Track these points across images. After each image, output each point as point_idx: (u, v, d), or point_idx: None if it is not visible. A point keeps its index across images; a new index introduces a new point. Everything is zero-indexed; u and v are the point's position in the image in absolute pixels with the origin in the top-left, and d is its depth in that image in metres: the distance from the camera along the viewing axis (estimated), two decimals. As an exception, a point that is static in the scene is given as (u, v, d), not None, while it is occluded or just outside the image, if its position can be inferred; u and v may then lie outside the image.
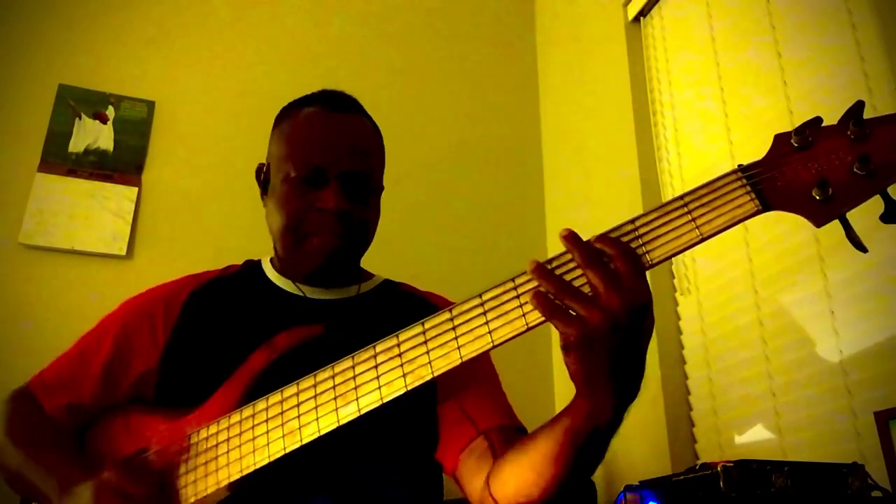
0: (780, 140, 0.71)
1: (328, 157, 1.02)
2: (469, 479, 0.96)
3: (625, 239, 0.72)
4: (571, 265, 0.72)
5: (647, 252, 0.72)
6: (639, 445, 1.92)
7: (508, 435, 0.97)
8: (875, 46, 1.44)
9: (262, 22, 2.61)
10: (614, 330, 0.68)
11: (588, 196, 2.41)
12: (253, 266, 1.17)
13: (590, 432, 0.76)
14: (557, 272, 0.72)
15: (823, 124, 0.70)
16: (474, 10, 2.92)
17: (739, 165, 0.72)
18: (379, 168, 1.11)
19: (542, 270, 0.72)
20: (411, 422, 1.00)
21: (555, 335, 2.45)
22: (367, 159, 1.07)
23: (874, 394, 1.34)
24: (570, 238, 0.72)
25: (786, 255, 1.62)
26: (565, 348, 0.71)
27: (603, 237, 0.72)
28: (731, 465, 1.11)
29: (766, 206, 0.69)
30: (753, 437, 1.64)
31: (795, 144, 0.70)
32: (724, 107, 1.89)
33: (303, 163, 1.02)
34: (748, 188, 0.70)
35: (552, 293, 0.71)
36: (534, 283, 0.73)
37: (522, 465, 0.85)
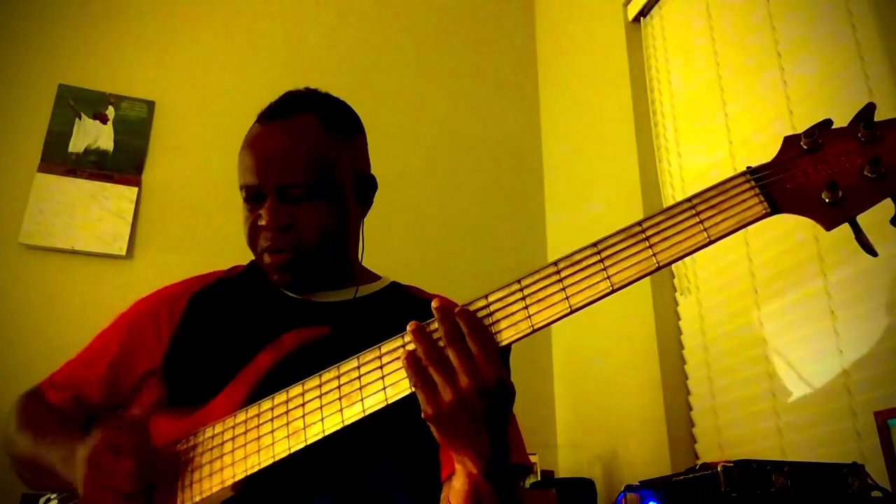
0: (790, 142, 0.70)
1: (259, 174, 1.01)
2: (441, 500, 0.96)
3: (632, 240, 0.71)
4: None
5: (655, 254, 0.71)
6: (639, 445, 1.92)
7: None
8: (875, 46, 1.44)
9: (261, 22, 2.61)
10: (464, 409, 0.73)
11: (588, 196, 2.41)
12: (257, 267, 1.16)
13: (471, 491, 0.80)
14: (437, 337, 0.75)
15: (833, 126, 0.69)
16: (474, 10, 2.92)
17: (748, 167, 0.71)
18: (325, 169, 1.02)
19: (420, 332, 0.75)
20: (413, 422, 1.00)
21: (555, 337, 2.45)
22: (303, 166, 1.01)
23: (874, 394, 1.34)
24: (440, 310, 0.75)
25: (786, 255, 1.62)
26: (424, 418, 0.75)
27: (461, 312, 0.74)
28: (731, 465, 1.11)
29: (775, 209, 0.69)
30: (753, 437, 1.65)
31: (805, 147, 0.69)
32: (723, 106, 1.89)
33: (243, 185, 1.03)
34: (757, 190, 0.69)
35: (421, 357, 0.74)
36: (544, 283, 0.74)
37: None
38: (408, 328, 0.76)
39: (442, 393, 0.73)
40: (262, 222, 1.00)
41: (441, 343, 0.75)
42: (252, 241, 1.04)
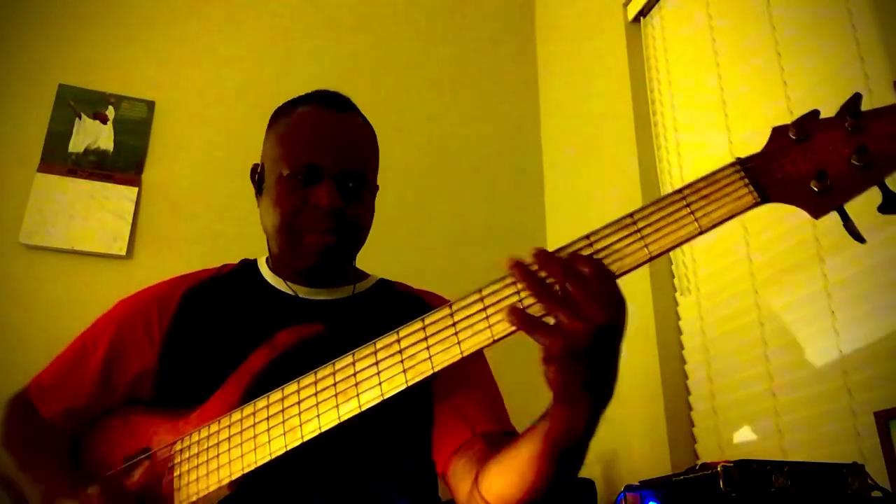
0: (778, 132, 0.71)
1: (322, 155, 1.02)
2: (458, 481, 0.96)
3: (623, 232, 0.72)
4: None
5: (647, 245, 0.71)
6: (639, 445, 1.92)
7: (499, 440, 0.97)
8: (875, 46, 1.44)
9: (261, 22, 2.61)
10: (596, 337, 0.68)
11: (588, 195, 2.41)
12: (249, 265, 1.16)
13: (567, 438, 0.77)
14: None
15: (821, 117, 0.70)
16: (474, 9, 2.92)
17: (738, 158, 0.72)
18: (373, 167, 1.11)
19: (523, 269, 0.72)
20: (409, 421, 1.00)
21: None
22: (362, 158, 1.07)
23: (874, 394, 1.34)
24: (542, 255, 0.73)
25: (786, 255, 1.62)
26: (548, 360, 0.70)
27: (567, 252, 0.73)
28: (731, 465, 1.11)
29: (764, 198, 0.69)
30: (753, 437, 1.64)
31: (793, 137, 0.70)
32: (724, 107, 1.89)
33: (296, 161, 1.02)
34: (746, 180, 0.70)
35: (534, 295, 0.71)
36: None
37: (506, 468, 0.86)
38: (507, 266, 0.73)
39: (570, 324, 0.68)
40: (318, 202, 1.00)
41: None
42: (291, 220, 1.02)
